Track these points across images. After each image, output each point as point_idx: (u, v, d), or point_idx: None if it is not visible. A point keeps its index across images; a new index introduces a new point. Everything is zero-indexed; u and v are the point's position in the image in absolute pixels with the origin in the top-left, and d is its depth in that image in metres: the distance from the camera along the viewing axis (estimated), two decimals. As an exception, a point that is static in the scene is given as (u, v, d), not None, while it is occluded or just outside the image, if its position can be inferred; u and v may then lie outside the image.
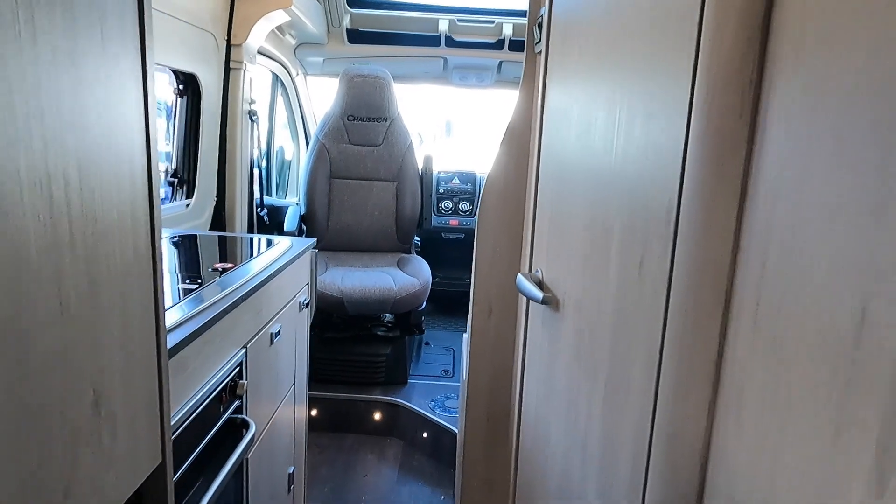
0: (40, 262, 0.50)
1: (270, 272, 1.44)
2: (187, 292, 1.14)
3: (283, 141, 3.60)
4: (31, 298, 0.49)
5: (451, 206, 3.66)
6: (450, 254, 3.67)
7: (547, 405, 1.12)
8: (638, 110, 0.72)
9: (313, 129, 3.39)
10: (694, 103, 0.56)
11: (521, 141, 1.48)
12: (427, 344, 3.33)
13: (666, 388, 0.61)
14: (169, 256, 1.54)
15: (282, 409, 1.61)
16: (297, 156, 3.66)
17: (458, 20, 3.00)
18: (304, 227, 3.06)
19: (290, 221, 2.83)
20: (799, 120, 0.45)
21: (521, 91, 1.47)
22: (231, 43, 2.32)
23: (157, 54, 1.98)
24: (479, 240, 1.54)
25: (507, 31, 2.98)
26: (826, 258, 0.41)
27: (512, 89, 3.63)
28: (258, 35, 2.42)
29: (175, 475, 0.89)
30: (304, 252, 1.76)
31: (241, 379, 1.23)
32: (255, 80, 2.65)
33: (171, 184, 2.21)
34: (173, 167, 2.21)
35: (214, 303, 1.13)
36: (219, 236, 1.89)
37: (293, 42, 3.10)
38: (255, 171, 2.64)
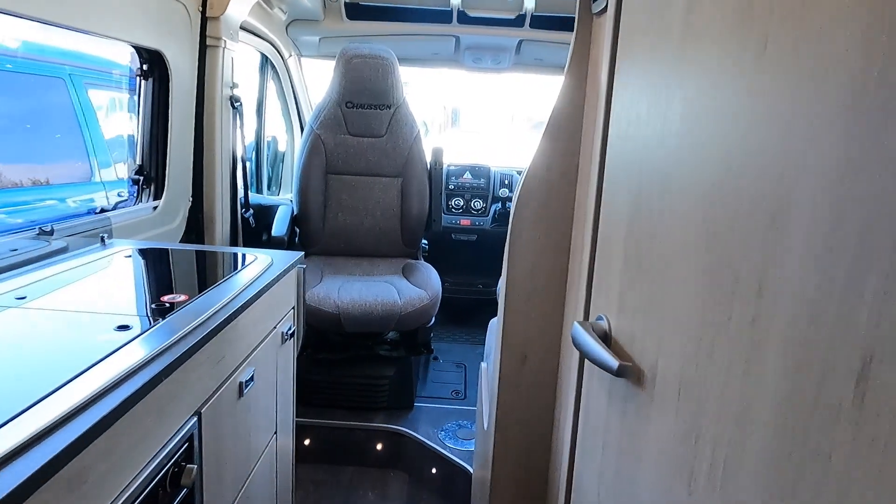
0: None
1: (239, 304, 1.10)
2: (104, 354, 0.80)
3: (277, 131, 3.23)
4: None
5: (462, 203, 3.28)
6: (460, 257, 3.29)
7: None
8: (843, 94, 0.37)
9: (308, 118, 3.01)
10: None
11: (570, 135, 1.11)
12: (436, 359, 2.97)
13: None
14: (98, 286, 1.19)
15: (259, 470, 1.28)
16: (292, 147, 3.29)
17: None
18: (297, 231, 2.70)
19: (278, 225, 2.44)
20: None
21: (569, 67, 1.10)
22: (207, 15, 1.96)
23: (109, 26, 1.64)
24: (510, 265, 1.17)
25: (529, 4, 2.59)
26: None
27: (532, 73, 3.26)
28: (239, 6, 2.05)
29: None
30: (288, 271, 1.41)
31: (190, 463, 0.89)
32: (241, 62, 2.29)
33: (135, 182, 1.86)
34: (137, 163, 1.86)
35: (145, 364, 0.79)
36: (180, 251, 1.53)
37: (284, 17, 2.72)
38: (240, 167, 2.28)
